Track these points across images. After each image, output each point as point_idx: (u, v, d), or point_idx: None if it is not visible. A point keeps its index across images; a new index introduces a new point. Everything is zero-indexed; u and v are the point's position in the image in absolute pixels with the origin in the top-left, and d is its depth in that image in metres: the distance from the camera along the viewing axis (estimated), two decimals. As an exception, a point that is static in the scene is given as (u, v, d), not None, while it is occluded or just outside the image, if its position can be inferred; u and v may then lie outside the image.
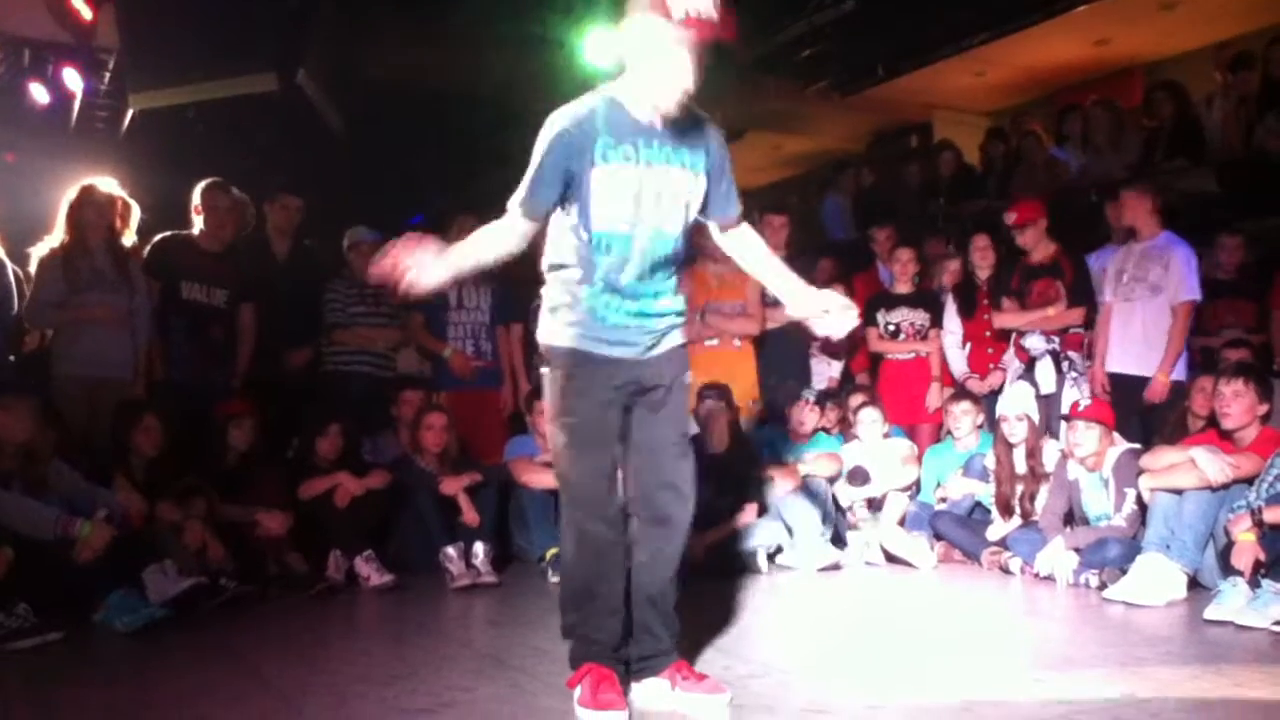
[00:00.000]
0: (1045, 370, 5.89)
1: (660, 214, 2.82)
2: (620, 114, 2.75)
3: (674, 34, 2.59)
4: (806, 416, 5.89)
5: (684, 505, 2.91)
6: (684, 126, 2.81)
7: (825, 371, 6.66)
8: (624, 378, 2.87)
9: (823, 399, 6.12)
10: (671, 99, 2.69)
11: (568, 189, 2.77)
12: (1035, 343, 5.95)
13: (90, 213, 5.28)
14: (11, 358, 5.42)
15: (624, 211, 2.77)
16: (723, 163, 2.93)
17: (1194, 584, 4.44)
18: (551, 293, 2.91)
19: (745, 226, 3.11)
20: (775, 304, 6.22)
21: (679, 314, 3.01)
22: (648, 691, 2.91)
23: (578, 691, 2.80)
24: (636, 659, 2.94)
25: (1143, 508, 4.74)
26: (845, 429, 6.22)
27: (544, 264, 2.95)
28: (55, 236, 5.27)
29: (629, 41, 2.70)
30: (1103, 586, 4.59)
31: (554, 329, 2.90)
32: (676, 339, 3.00)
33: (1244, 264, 6.17)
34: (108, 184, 5.39)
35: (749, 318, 6.13)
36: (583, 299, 2.84)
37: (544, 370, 2.99)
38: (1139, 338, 5.73)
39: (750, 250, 3.15)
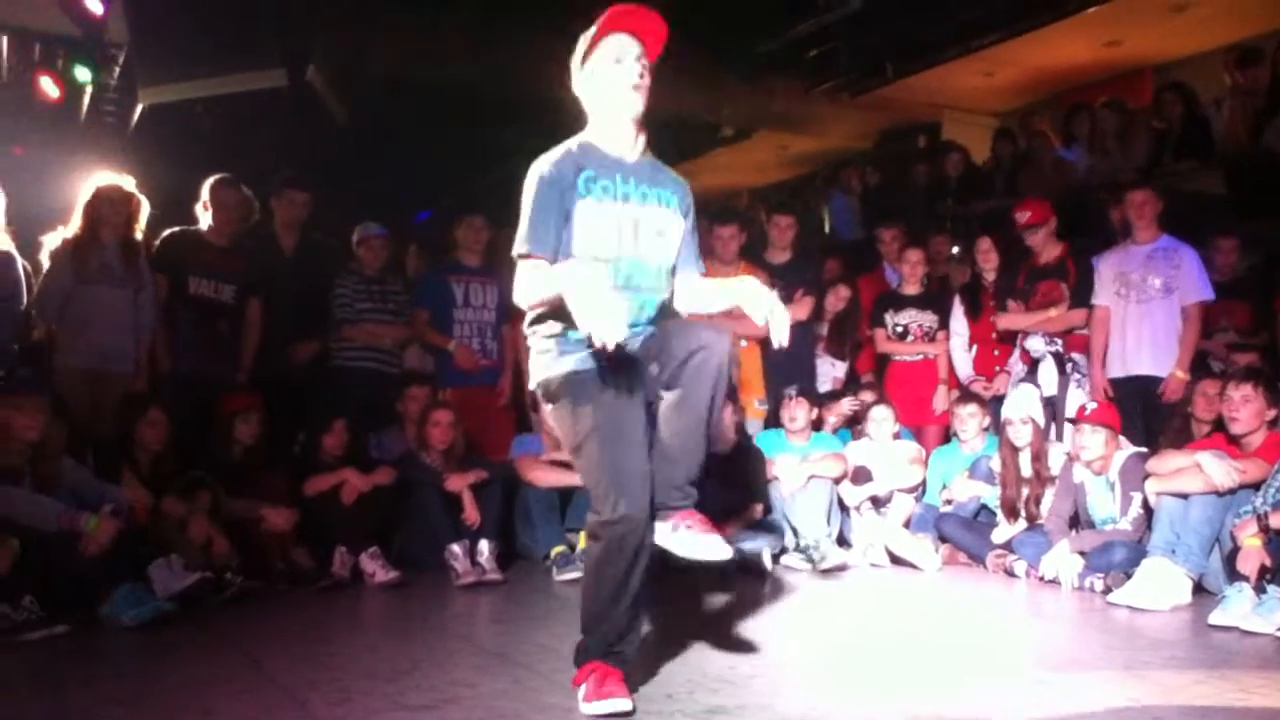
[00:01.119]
0: (1048, 372, 5.88)
1: (639, 247, 2.87)
2: (595, 152, 2.86)
3: (612, 48, 2.77)
4: (796, 413, 5.87)
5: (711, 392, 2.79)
6: (658, 168, 2.94)
7: (829, 372, 6.65)
8: (629, 379, 2.80)
9: (811, 395, 6.10)
10: (630, 105, 2.81)
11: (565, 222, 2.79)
12: (1037, 344, 5.93)
13: (106, 208, 5.30)
14: (16, 348, 5.43)
15: (606, 244, 2.81)
16: (691, 214, 3.01)
17: (1199, 589, 4.44)
18: (538, 343, 2.88)
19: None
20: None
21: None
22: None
23: (582, 690, 2.80)
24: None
25: (1149, 512, 4.74)
26: (854, 428, 6.22)
27: (525, 321, 2.92)
28: (70, 229, 5.29)
29: (581, 93, 2.87)
30: (1108, 590, 4.59)
31: (548, 366, 2.85)
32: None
33: (1240, 266, 6.15)
34: (125, 180, 5.41)
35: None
36: (572, 336, 2.77)
37: (548, 410, 2.93)
38: (1150, 339, 5.71)
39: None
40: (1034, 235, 6.02)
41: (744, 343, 6.13)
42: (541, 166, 2.81)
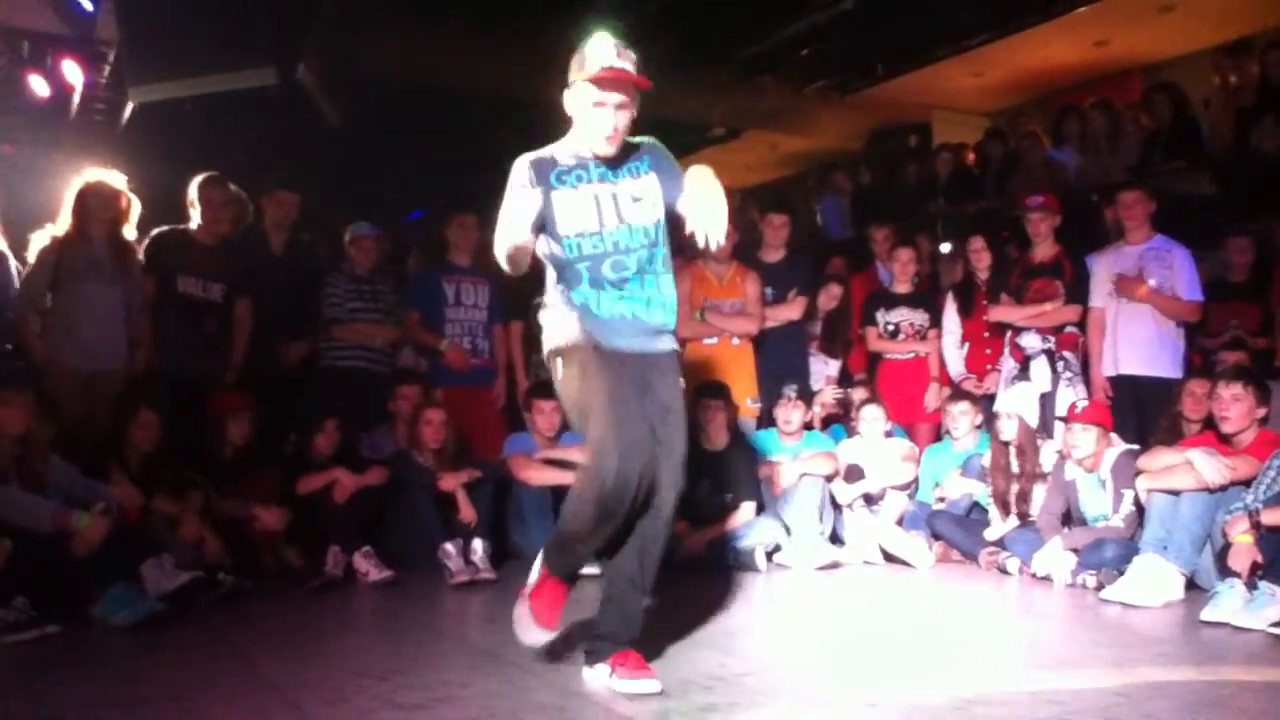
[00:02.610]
0: (1040, 370, 5.89)
1: (621, 211, 3.13)
2: (569, 153, 3.16)
3: (596, 94, 3.01)
4: (791, 414, 5.88)
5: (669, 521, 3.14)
6: (629, 146, 3.18)
7: (823, 370, 6.66)
8: (629, 370, 3.04)
9: (806, 394, 6.11)
10: (602, 145, 3.08)
11: (540, 214, 3.05)
12: (1031, 341, 5.95)
13: (95, 203, 5.27)
14: (9, 346, 5.41)
15: (588, 217, 3.11)
16: (666, 160, 3.22)
17: (1191, 585, 4.45)
18: (550, 306, 3.18)
19: None
20: (773, 304, 6.27)
21: (669, 329, 3.22)
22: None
23: (606, 669, 2.99)
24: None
25: (1140, 509, 4.75)
26: (847, 425, 6.23)
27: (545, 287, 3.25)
28: (59, 225, 5.26)
29: (569, 103, 3.12)
30: (1100, 587, 4.60)
31: (559, 330, 3.13)
32: (669, 344, 3.21)
33: (1255, 265, 6.19)
34: (116, 177, 5.38)
35: (748, 317, 6.13)
36: (576, 301, 3.11)
37: (558, 364, 3.12)
38: (1142, 339, 5.74)
39: None
40: (1040, 223, 6.01)
41: (736, 340, 6.14)
42: (522, 162, 3.10)
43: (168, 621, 4.01)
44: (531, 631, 3.12)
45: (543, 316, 3.19)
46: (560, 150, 3.18)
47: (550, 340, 3.15)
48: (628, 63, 3.02)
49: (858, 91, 9.96)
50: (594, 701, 2.90)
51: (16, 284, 5.37)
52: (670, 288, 3.21)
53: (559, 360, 3.12)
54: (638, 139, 3.22)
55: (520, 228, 2.99)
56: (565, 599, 3.17)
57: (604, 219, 3.11)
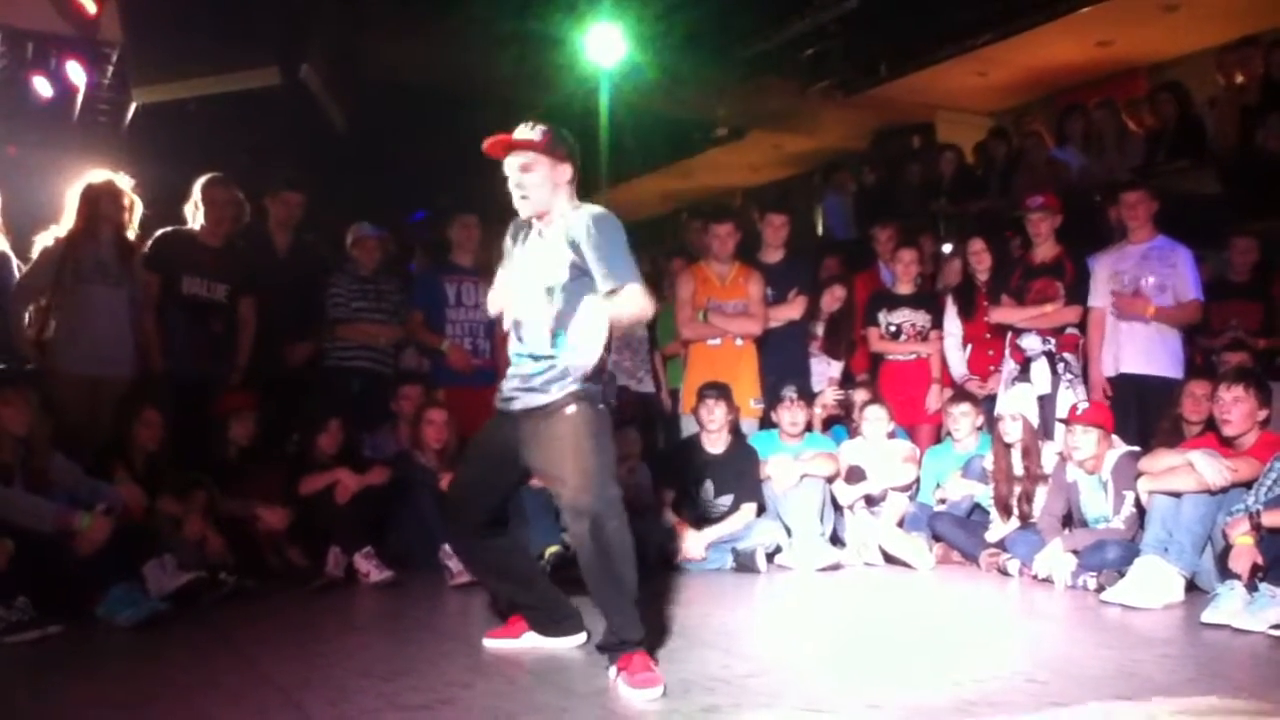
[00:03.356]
0: (1040, 371, 5.89)
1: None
2: None
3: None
4: (797, 416, 5.87)
5: None
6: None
7: (825, 371, 6.64)
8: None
9: (807, 395, 6.10)
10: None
11: None
12: (1031, 343, 5.94)
13: (108, 203, 5.27)
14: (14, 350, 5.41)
15: None
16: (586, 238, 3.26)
17: (1191, 587, 4.45)
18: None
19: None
20: (776, 304, 6.27)
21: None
22: None
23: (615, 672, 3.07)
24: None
25: (1141, 510, 4.75)
26: (848, 424, 6.23)
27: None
28: (63, 226, 5.26)
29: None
30: (1100, 589, 4.60)
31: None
32: (534, 400, 3.32)
33: (1257, 265, 6.18)
34: (122, 179, 5.40)
35: (751, 317, 6.13)
36: None
37: (574, 410, 3.28)
38: (1143, 338, 5.74)
39: None
40: (1041, 223, 5.99)
41: (739, 342, 6.14)
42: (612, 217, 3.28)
43: (170, 621, 4.02)
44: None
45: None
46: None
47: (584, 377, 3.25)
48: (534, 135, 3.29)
49: (861, 91, 9.94)
50: (596, 703, 2.90)
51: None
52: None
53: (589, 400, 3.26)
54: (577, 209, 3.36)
55: None
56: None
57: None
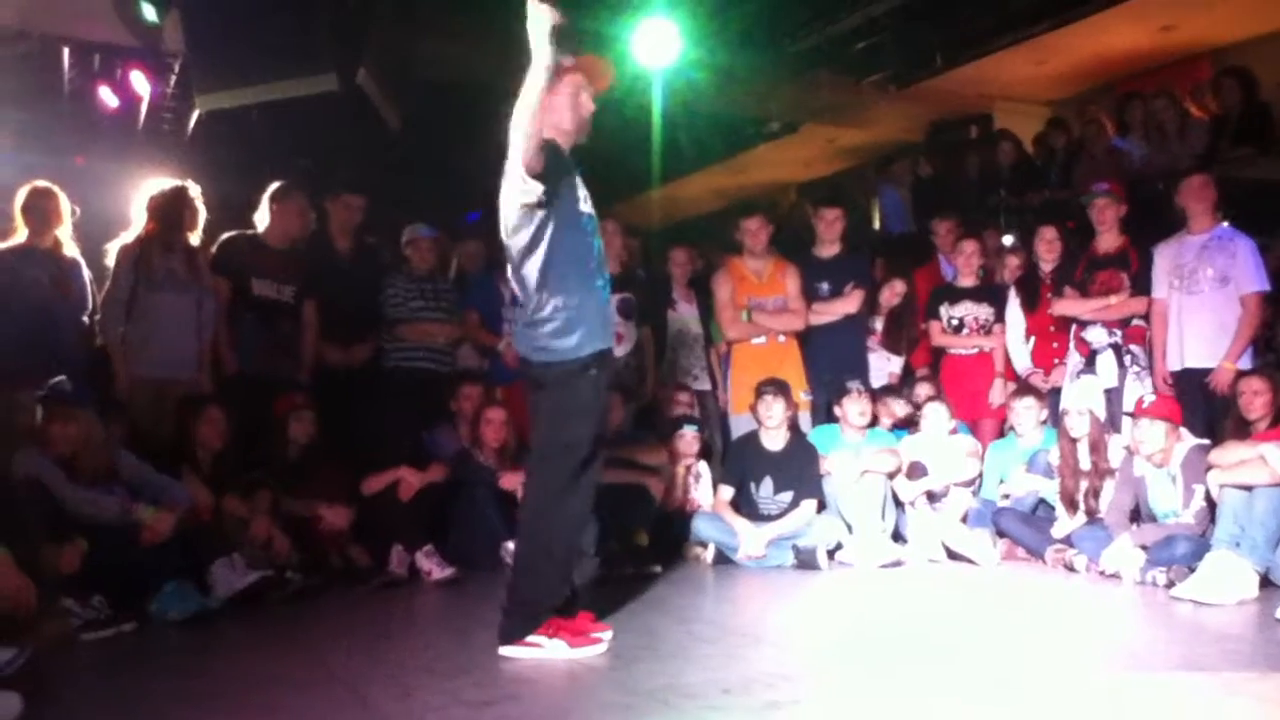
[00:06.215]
0: (1107, 364, 5.79)
1: None
2: None
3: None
4: (865, 406, 5.82)
5: None
6: None
7: (885, 367, 6.59)
8: None
9: (871, 390, 6.04)
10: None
11: None
12: (1097, 336, 5.85)
13: (177, 212, 5.40)
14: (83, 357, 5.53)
15: None
16: None
17: (1265, 583, 4.35)
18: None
19: None
20: (830, 298, 6.23)
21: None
22: None
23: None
24: None
25: (1211, 504, 4.65)
26: (909, 423, 6.17)
27: None
28: (133, 231, 5.37)
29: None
30: (1170, 585, 4.51)
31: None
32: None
33: None
34: (192, 187, 5.52)
35: (792, 313, 6.13)
36: None
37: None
38: (1206, 330, 5.60)
39: None
40: (1105, 210, 5.89)
41: (781, 338, 6.12)
42: None
43: (237, 619, 4.13)
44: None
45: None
46: None
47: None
48: None
49: (916, 83, 9.82)
50: (659, 699, 2.90)
51: (89, 291, 5.49)
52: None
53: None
54: None
55: None
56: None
57: None
